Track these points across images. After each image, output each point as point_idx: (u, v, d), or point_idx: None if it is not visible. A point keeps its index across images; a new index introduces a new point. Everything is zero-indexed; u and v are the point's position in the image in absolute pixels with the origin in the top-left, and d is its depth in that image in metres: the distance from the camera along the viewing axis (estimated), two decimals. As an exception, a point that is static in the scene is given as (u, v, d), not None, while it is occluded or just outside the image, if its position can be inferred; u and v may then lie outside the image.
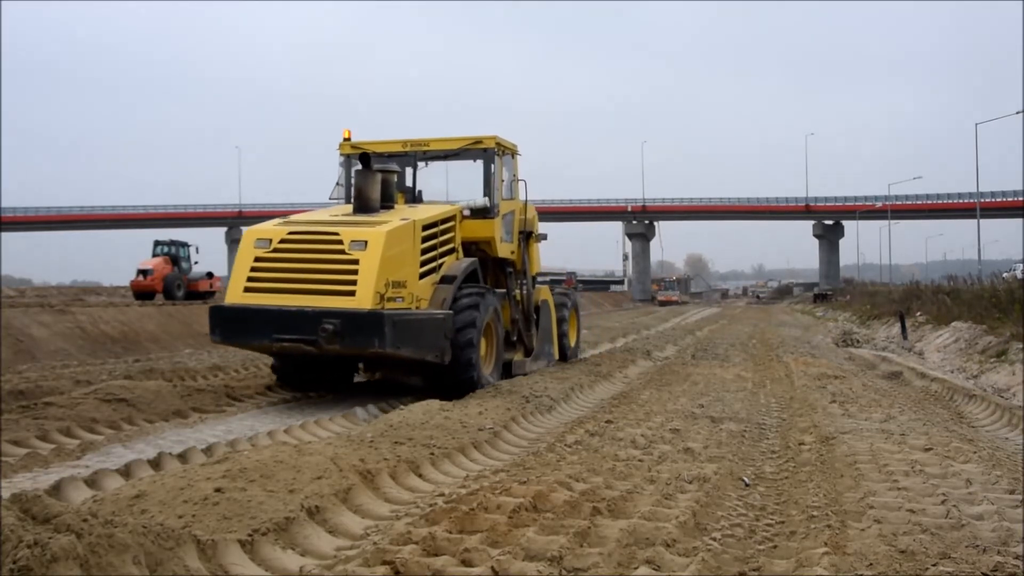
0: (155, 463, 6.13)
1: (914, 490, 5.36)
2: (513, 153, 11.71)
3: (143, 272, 29.60)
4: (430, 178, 11.57)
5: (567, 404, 9.56)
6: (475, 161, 11.17)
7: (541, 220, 13.40)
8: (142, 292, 28.85)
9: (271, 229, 9.30)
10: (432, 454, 6.22)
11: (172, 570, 3.54)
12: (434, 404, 7.93)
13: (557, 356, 13.30)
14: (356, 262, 8.68)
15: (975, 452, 6.61)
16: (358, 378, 11.43)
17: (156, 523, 3.81)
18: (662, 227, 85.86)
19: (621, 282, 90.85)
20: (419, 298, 9.36)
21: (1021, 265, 50.26)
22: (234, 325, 9.01)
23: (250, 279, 9.02)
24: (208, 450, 6.64)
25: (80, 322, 16.27)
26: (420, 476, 5.85)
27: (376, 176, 9.99)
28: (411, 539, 4.21)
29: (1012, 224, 78.76)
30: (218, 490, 4.51)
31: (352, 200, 10.29)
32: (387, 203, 10.15)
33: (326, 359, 9.55)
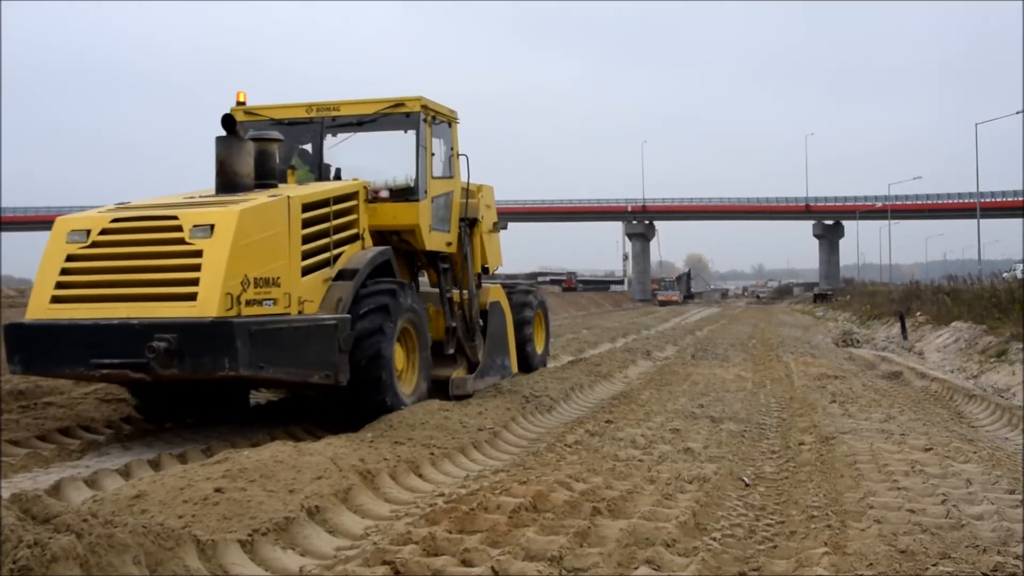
0: (155, 463, 6.15)
1: (914, 490, 5.37)
2: (450, 121, 9.65)
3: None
4: (356, 153, 9.46)
5: (567, 404, 9.56)
6: (405, 132, 9.05)
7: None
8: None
9: (91, 217, 7.10)
10: (432, 454, 6.23)
11: (172, 570, 3.55)
12: (434, 404, 7.92)
13: (516, 368, 10.93)
14: (199, 254, 6.57)
15: (975, 452, 6.62)
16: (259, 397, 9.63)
17: (156, 523, 3.82)
18: (660, 233, 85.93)
19: (621, 282, 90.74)
20: (302, 300, 7.32)
21: (1021, 265, 50.32)
22: (37, 349, 6.74)
23: (59, 285, 6.80)
24: (208, 450, 6.65)
25: (80, 322, 16.25)
26: (420, 476, 5.85)
27: (245, 145, 7.74)
28: (411, 539, 4.21)
29: (1012, 224, 78.63)
30: (218, 490, 4.52)
31: (215, 177, 7.79)
32: (266, 180, 7.94)
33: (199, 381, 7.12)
